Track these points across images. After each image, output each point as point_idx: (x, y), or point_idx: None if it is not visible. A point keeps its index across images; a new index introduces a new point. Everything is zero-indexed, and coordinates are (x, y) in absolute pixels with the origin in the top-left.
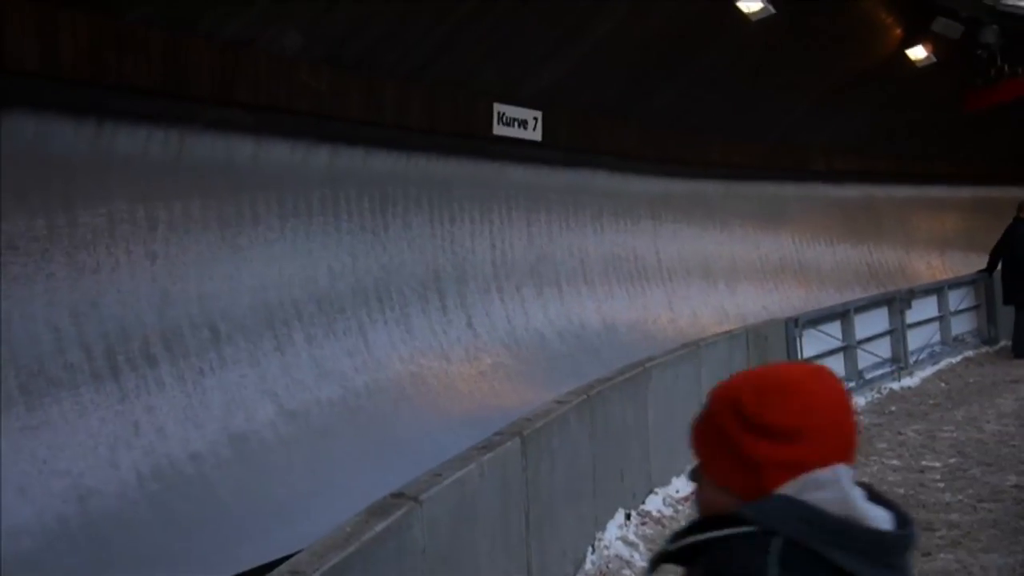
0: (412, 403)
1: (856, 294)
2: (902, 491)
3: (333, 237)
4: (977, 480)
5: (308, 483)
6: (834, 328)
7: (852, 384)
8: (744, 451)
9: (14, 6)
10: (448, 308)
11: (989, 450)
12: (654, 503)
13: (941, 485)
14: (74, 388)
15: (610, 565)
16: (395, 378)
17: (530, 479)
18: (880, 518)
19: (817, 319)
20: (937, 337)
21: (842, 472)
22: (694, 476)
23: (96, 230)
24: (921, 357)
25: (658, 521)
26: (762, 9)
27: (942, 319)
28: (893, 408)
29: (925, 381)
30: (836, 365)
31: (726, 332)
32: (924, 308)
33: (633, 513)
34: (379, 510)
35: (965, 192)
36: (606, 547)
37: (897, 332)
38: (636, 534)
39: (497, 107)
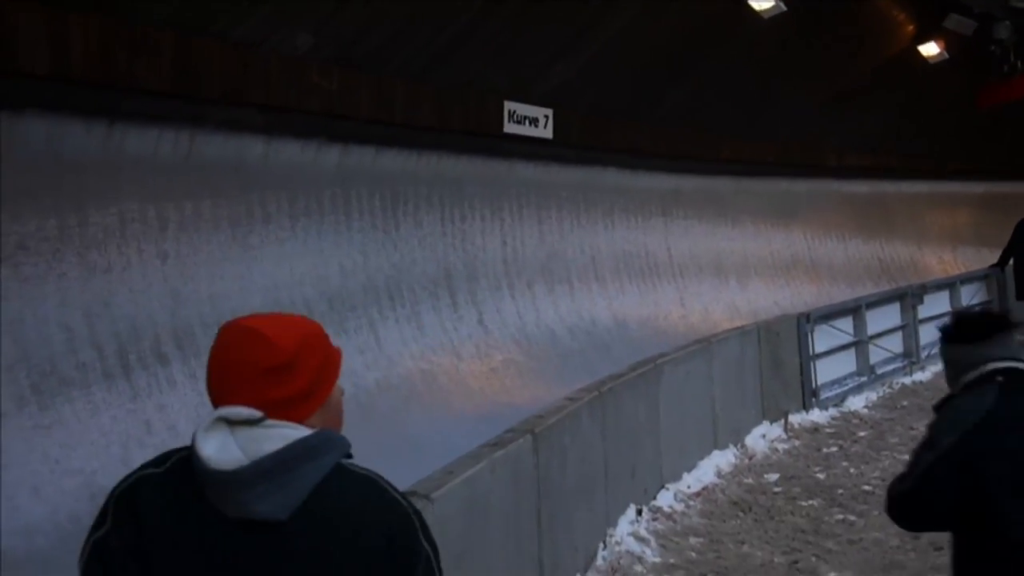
0: (423, 400)
1: (868, 290)
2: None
3: (344, 236)
4: None
5: None
6: (846, 323)
7: (864, 379)
8: None
9: (25, 9)
10: (459, 305)
11: None
12: (665, 499)
13: None
14: (86, 387)
15: (621, 561)
16: (406, 375)
17: (541, 476)
18: (214, 450)
19: (828, 315)
20: None
21: (219, 411)
22: None
23: (107, 230)
24: (933, 352)
25: (669, 516)
26: (774, 6)
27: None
28: (905, 403)
29: (937, 376)
30: (848, 360)
31: (737, 328)
32: (936, 303)
33: (644, 509)
34: None
35: (977, 188)
36: (617, 543)
37: (909, 327)
38: (647, 529)
39: (508, 105)
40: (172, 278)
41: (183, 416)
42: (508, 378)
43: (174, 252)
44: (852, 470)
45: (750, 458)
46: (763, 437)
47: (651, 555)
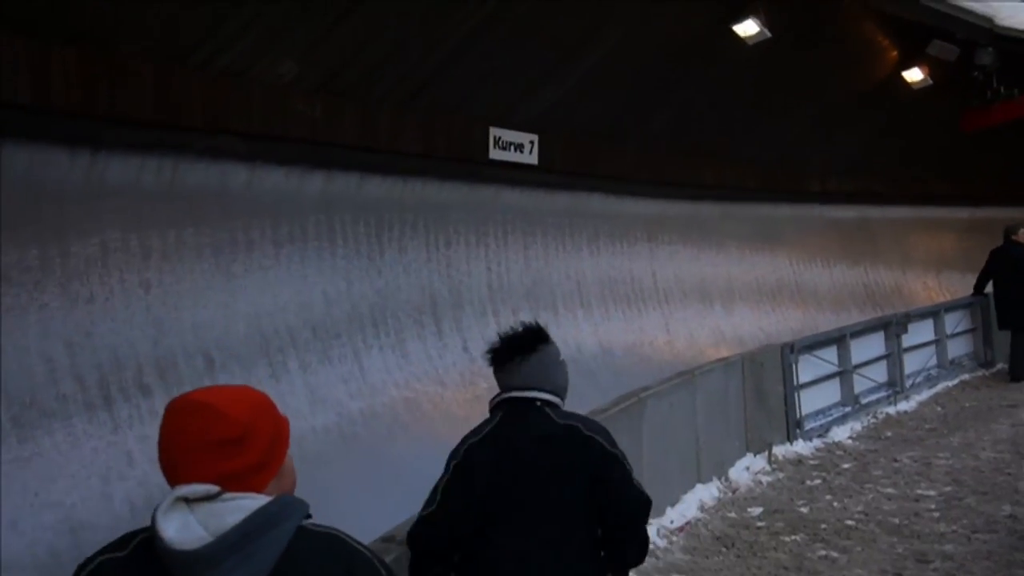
0: (407, 429)
1: (853, 315)
2: (897, 521)
3: (328, 263)
4: (972, 510)
5: None
6: (830, 353)
7: (848, 409)
8: None
9: (6, 40)
10: (444, 333)
11: (984, 478)
12: (648, 534)
13: (936, 515)
14: (67, 419)
15: None
16: (390, 404)
17: None
18: (176, 531)
19: (812, 345)
20: (933, 360)
21: (178, 491)
22: None
23: (89, 260)
24: (917, 381)
25: (652, 553)
26: (758, 33)
27: (938, 342)
28: (889, 433)
29: (921, 405)
30: (832, 390)
31: (721, 360)
32: (920, 331)
33: None
34: None
35: (962, 213)
36: None
37: (893, 356)
38: None
39: (493, 131)
40: (155, 307)
41: None
42: None
43: (157, 281)
44: (835, 504)
45: (734, 491)
46: (747, 469)
47: None
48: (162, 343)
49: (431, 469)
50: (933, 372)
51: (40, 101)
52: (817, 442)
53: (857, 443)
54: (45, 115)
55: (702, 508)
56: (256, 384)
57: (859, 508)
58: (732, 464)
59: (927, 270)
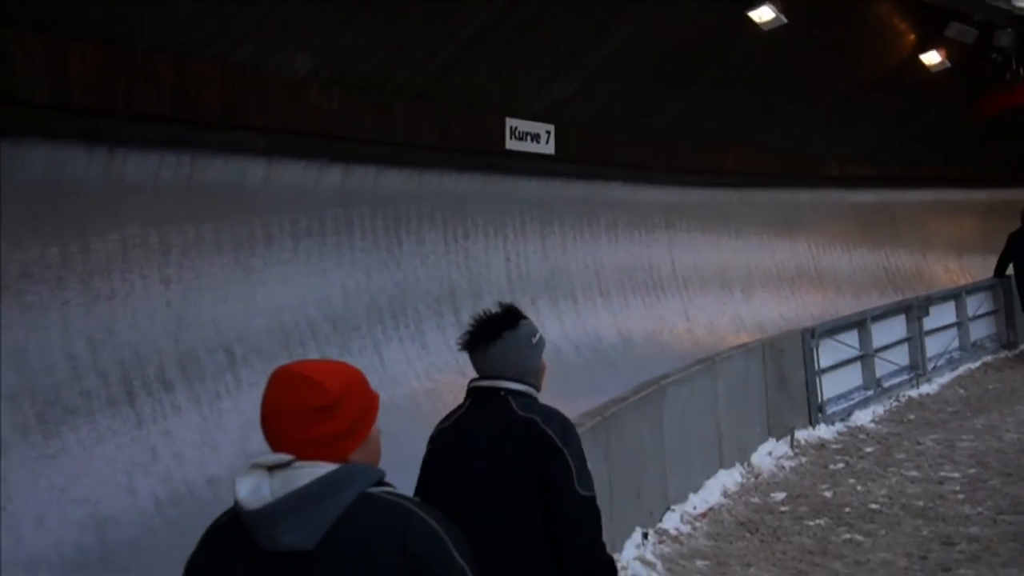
0: (428, 420)
1: (874, 299)
2: (921, 503)
3: (347, 256)
4: (997, 491)
5: None
6: (851, 337)
7: (870, 392)
8: None
9: (24, 38)
10: (463, 323)
11: (1009, 460)
12: (671, 520)
13: (961, 497)
14: (90, 415)
15: None
16: (411, 395)
17: None
18: (248, 491)
19: (833, 329)
20: (955, 343)
21: (265, 458)
22: None
23: (109, 256)
24: (939, 363)
25: (676, 539)
26: (774, 19)
27: (960, 325)
28: (911, 416)
29: (944, 388)
30: (854, 374)
31: (742, 346)
32: (942, 314)
33: (650, 532)
34: None
35: (980, 195)
36: (623, 567)
37: (915, 339)
38: (654, 553)
39: (509, 122)
40: (175, 303)
41: (189, 443)
42: None
43: (177, 277)
44: (859, 487)
45: (756, 476)
46: (769, 455)
47: None
48: (183, 338)
49: None
50: (955, 354)
51: (58, 99)
52: (839, 426)
53: (880, 426)
54: (63, 112)
55: (725, 494)
56: None
57: (883, 491)
58: (754, 450)
59: (947, 253)
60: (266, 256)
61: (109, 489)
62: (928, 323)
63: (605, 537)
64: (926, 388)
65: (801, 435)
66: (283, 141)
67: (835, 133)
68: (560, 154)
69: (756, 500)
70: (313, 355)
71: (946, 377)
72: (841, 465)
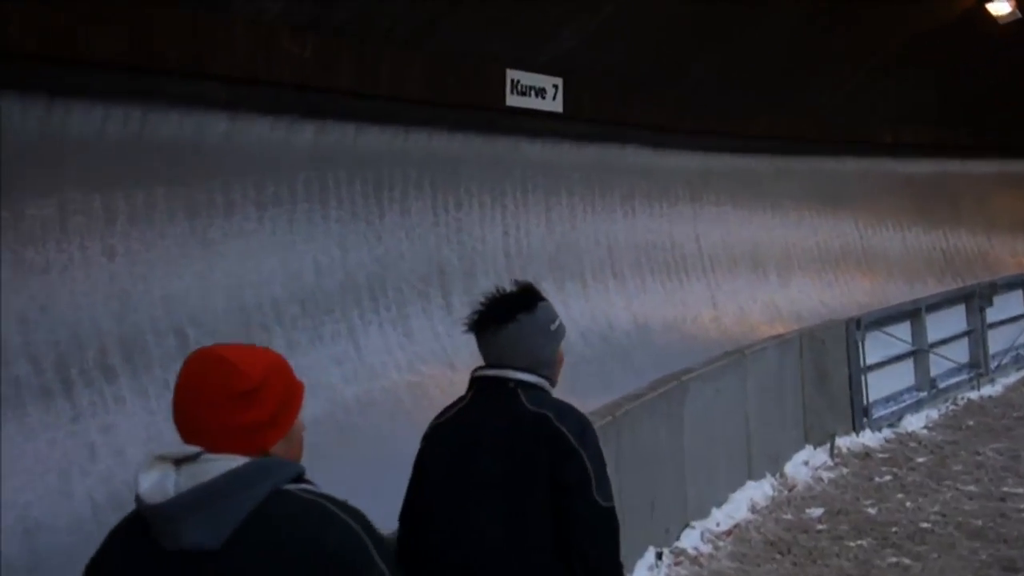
0: (411, 418)
1: (928, 287)
2: (979, 523)
3: (320, 227)
4: None
5: None
6: (902, 330)
7: (923, 394)
8: None
9: None
10: (453, 307)
11: None
12: (690, 539)
13: None
14: (19, 406)
15: None
16: (391, 389)
17: None
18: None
19: (882, 320)
20: (1023, 338)
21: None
22: None
23: (45, 223)
24: (1004, 361)
25: (695, 560)
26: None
27: None
28: (971, 422)
29: (1009, 390)
30: (905, 372)
31: (776, 337)
32: (1008, 304)
33: (665, 551)
34: None
35: None
36: None
37: (976, 333)
38: None
39: (511, 74)
40: (120, 278)
41: (132, 439)
42: None
43: (122, 248)
44: (908, 504)
45: (790, 489)
46: (805, 464)
47: None
48: (128, 319)
49: None
50: (1022, 351)
51: None
52: (887, 432)
53: (934, 434)
54: None
55: (753, 508)
56: None
57: (936, 508)
58: (788, 458)
59: (1016, 234)
60: (226, 226)
61: (40, 491)
62: (991, 315)
63: None
64: (988, 390)
65: (843, 442)
66: (249, 93)
67: (887, 93)
68: (569, 112)
69: (789, 516)
70: (279, 341)
71: (1011, 377)
72: (888, 478)
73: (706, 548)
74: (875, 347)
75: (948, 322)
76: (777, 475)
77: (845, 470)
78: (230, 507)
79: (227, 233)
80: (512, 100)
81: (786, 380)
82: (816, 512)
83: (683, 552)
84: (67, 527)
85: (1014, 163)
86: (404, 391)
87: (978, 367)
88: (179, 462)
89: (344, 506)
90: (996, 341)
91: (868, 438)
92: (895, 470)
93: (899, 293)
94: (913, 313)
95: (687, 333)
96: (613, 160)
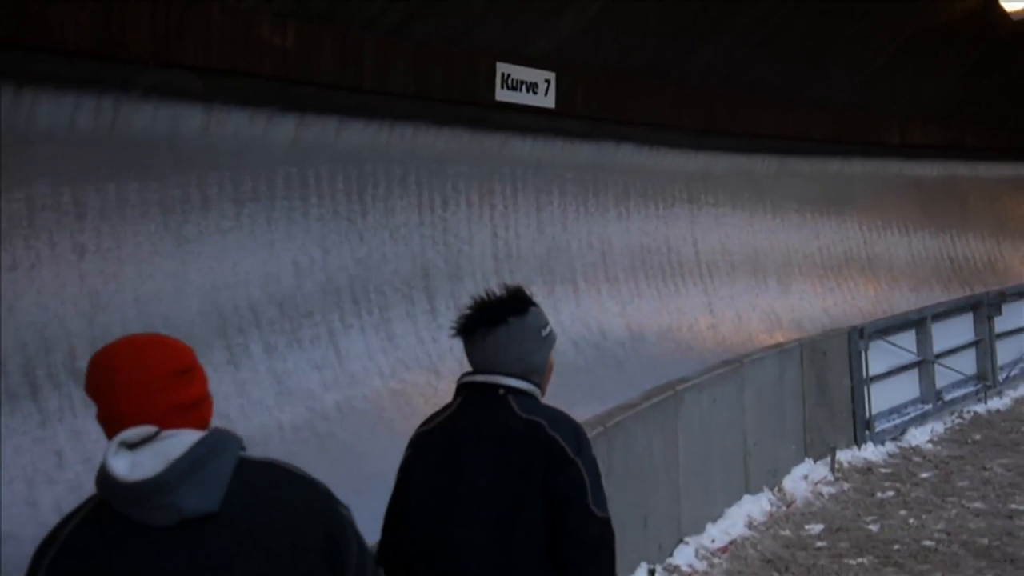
0: (394, 428)
1: (935, 294)
2: (986, 541)
3: (300, 225)
4: None
5: None
6: (907, 339)
7: (928, 406)
8: None
9: None
10: (439, 311)
11: None
12: (684, 556)
13: None
14: None
15: None
16: (373, 397)
17: None
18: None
19: (886, 329)
20: None
21: (124, 434)
22: None
23: (12, 218)
24: (1013, 373)
25: None
26: None
27: None
28: (977, 436)
29: (1017, 403)
30: (909, 384)
31: (775, 347)
32: (1017, 314)
33: (658, 568)
34: None
35: None
36: None
37: (984, 343)
38: None
39: (501, 67)
40: (91, 277)
41: (102, 445)
42: None
43: (93, 245)
44: (912, 521)
45: (788, 505)
46: (805, 479)
47: None
48: (98, 320)
49: None
50: None
51: None
52: (890, 446)
53: (939, 448)
54: None
55: (750, 524)
56: (212, 371)
57: (940, 526)
58: (787, 472)
59: None
60: (202, 223)
61: (5, 499)
62: (1000, 324)
63: None
64: (996, 403)
65: (844, 456)
66: (225, 84)
67: (896, 91)
68: (562, 108)
69: (787, 533)
70: (255, 345)
71: (1020, 390)
72: (891, 493)
73: (701, 565)
74: (878, 357)
75: (955, 332)
76: (775, 490)
77: (846, 485)
78: (216, 472)
79: (203, 230)
80: (502, 95)
81: (786, 391)
82: (816, 528)
83: (676, 569)
84: (33, 537)
85: None
86: (387, 398)
87: (986, 379)
88: (134, 445)
89: (293, 465)
90: (1005, 352)
91: (870, 452)
92: (898, 486)
93: (904, 301)
94: (918, 322)
95: (683, 341)
96: (607, 159)
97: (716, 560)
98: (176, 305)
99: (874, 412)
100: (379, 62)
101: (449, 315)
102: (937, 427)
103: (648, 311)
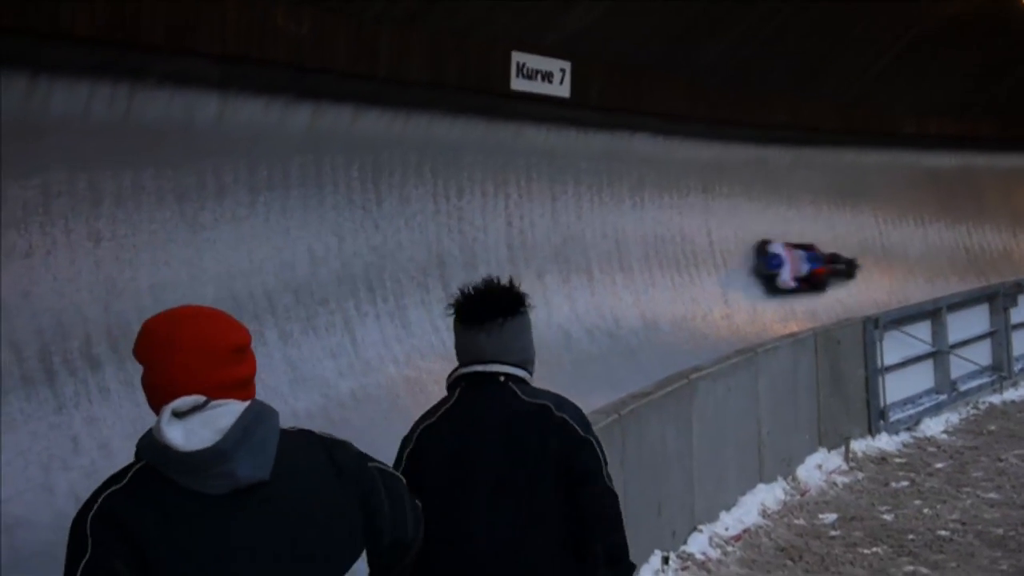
0: (408, 415)
1: (950, 285)
2: (1000, 531)
3: (315, 213)
4: None
5: None
6: (922, 329)
7: (943, 397)
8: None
9: None
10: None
11: None
12: (698, 543)
13: None
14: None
15: None
16: (388, 384)
17: None
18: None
19: (901, 319)
20: None
21: (178, 403)
22: None
23: (28, 205)
24: None
25: (702, 565)
26: None
27: None
28: (992, 427)
29: None
30: (924, 374)
31: (789, 336)
32: None
33: (672, 556)
34: None
35: None
36: None
37: (999, 334)
38: None
39: (516, 56)
40: (106, 264)
41: (118, 432)
42: None
43: (109, 232)
44: (926, 510)
45: (802, 494)
46: (819, 468)
47: None
48: (114, 307)
49: None
50: None
51: None
52: (904, 436)
53: (953, 438)
54: None
55: (764, 513)
56: None
57: (955, 516)
58: (801, 461)
59: None
60: (217, 211)
61: (21, 485)
62: (1016, 315)
63: None
64: (1011, 393)
65: (858, 446)
66: (241, 72)
67: (911, 81)
68: (577, 98)
69: (801, 522)
70: (271, 332)
71: None
72: (905, 483)
73: (714, 553)
74: (893, 347)
75: (970, 322)
76: (789, 479)
77: (860, 475)
78: (264, 441)
79: (218, 218)
80: (518, 84)
81: (800, 380)
82: (829, 518)
83: (690, 557)
84: (49, 523)
85: None
86: (401, 386)
87: (1001, 370)
88: (183, 414)
89: (330, 435)
90: (1021, 343)
91: (885, 442)
92: (912, 475)
93: (919, 291)
94: (934, 312)
95: (697, 331)
96: (622, 148)
97: (730, 548)
98: (191, 292)
99: (888, 402)
100: (394, 50)
101: None
102: (952, 417)
103: (662, 300)
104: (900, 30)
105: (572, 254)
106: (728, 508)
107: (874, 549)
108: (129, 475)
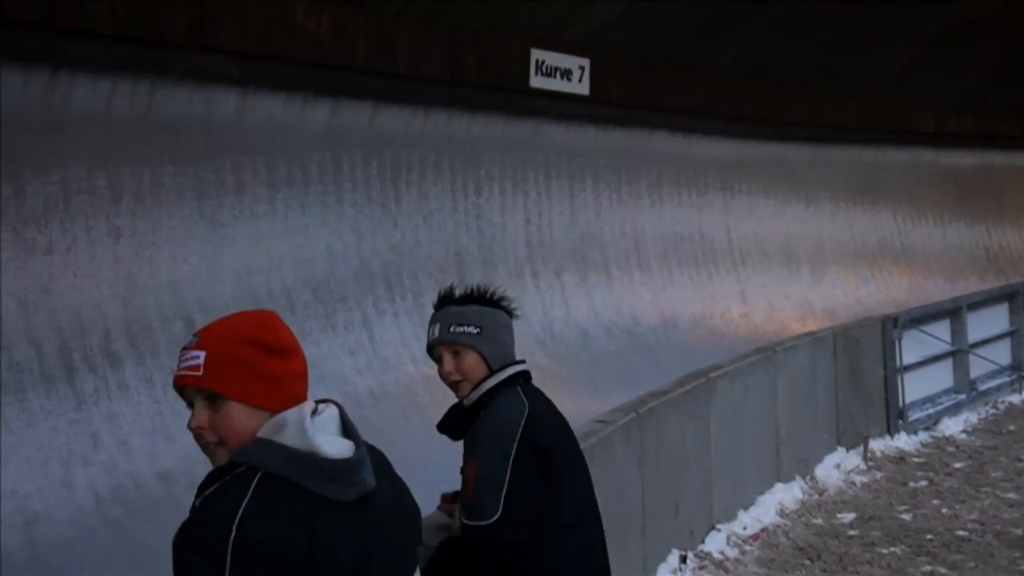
0: (426, 412)
1: (970, 285)
2: (1020, 532)
3: (334, 210)
4: None
5: None
6: (942, 329)
7: (962, 396)
8: (269, 371)
9: None
10: None
11: None
12: (716, 542)
13: None
14: (20, 392)
15: None
16: (406, 382)
17: None
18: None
19: (921, 318)
20: None
21: (306, 410)
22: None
23: (48, 202)
24: None
25: (720, 564)
26: None
27: None
28: (1012, 427)
29: None
30: (943, 374)
31: (809, 334)
32: None
33: (690, 555)
34: None
35: None
36: None
37: (1019, 334)
38: None
39: (535, 53)
40: (126, 261)
41: (137, 429)
42: None
43: (128, 229)
44: (945, 510)
45: (821, 493)
46: (837, 468)
47: None
48: (134, 303)
49: (454, 462)
50: None
51: None
52: (923, 436)
53: (972, 438)
54: None
55: (782, 512)
56: None
57: (973, 516)
58: (819, 461)
59: None
60: (236, 208)
61: (41, 481)
62: None
63: (635, 557)
64: None
65: (876, 445)
66: (261, 68)
67: (931, 79)
68: (596, 95)
69: (819, 521)
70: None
71: None
72: (924, 483)
73: (732, 552)
74: (912, 347)
75: (990, 322)
76: (807, 478)
77: (879, 474)
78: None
79: (237, 215)
80: (536, 81)
81: (818, 379)
82: (847, 517)
83: (708, 556)
84: (69, 519)
85: None
86: (420, 384)
87: (1020, 369)
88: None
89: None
90: None
91: (903, 441)
92: (931, 475)
93: (939, 291)
94: (953, 312)
95: (715, 329)
96: (641, 146)
97: (748, 547)
98: (210, 289)
99: (907, 401)
100: (413, 48)
101: None
102: (971, 417)
103: (681, 298)
104: (922, 25)
105: (591, 252)
106: (746, 507)
107: (892, 549)
108: (252, 488)
